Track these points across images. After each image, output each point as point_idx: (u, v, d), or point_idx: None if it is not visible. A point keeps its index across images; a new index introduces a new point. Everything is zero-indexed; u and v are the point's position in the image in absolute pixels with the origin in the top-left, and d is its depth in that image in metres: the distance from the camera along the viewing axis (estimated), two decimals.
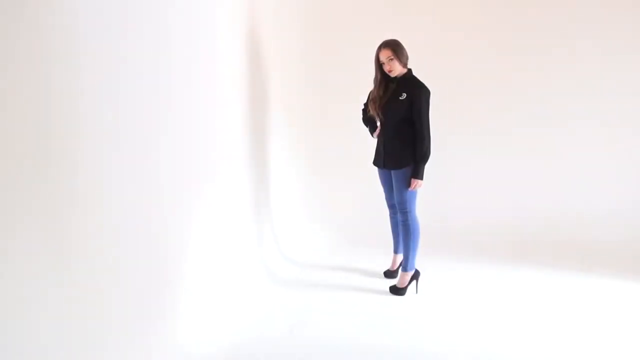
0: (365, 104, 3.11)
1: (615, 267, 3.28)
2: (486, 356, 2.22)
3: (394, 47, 2.83)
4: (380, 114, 2.94)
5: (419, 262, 3.04)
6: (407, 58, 2.89)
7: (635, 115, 3.71)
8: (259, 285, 3.01)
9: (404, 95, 2.86)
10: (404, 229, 2.98)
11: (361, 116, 3.18)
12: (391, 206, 3.18)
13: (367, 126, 3.15)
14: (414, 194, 2.94)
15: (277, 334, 2.45)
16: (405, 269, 2.98)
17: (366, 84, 3.03)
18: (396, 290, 2.94)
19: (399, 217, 3.00)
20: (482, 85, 4.01)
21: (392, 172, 2.97)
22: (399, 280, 2.98)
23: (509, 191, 4.00)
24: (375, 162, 3.12)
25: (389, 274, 3.19)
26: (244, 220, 3.12)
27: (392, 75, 2.87)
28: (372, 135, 3.14)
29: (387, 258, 3.32)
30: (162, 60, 2.16)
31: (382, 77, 2.92)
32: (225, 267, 2.75)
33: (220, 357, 2.21)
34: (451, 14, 4.04)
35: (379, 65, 2.89)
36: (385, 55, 2.84)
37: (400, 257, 3.17)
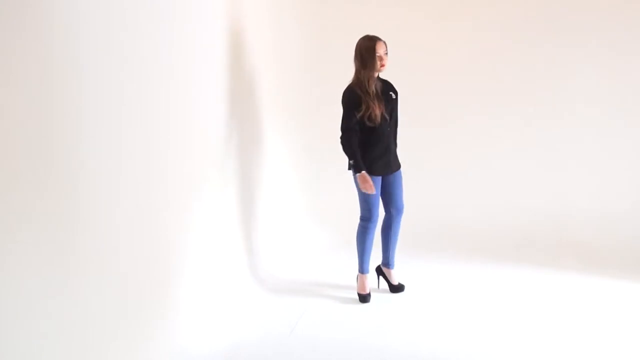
0: (349, 126, 2.71)
1: (615, 267, 3.28)
2: (486, 357, 2.22)
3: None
4: (385, 113, 2.75)
5: (419, 261, 3.04)
6: None
7: (635, 115, 3.70)
8: (259, 286, 3.01)
9: (393, 95, 2.83)
10: (397, 228, 2.98)
11: (349, 141, 2.72)
12: (376, 217, 2.89)
13: (352, 154, 2.71)
14: None
15: (277, 334, 2.45)
16: (393, 266, 3.00)
17: None
18: (396, 289, 2.95)
19: (398, 219, 2.96)
20: (482, 84, 4.00)
21: (394, 174, 2.90)
22: (394, 278, 3.00)
23: (509, 191, 3.99)
24: (380, 171, 2.81)
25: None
26: (243, 221, 3.12)
27: (383, 70, 2.75)
28: (355, 171, 2.71)
29: None
30: (162, 61, 2.17)
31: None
32: (225, 267, 2.76)
33: (220, 357, 2.21)
34: (450, 13, 4.03)
35: (374, 58, 2.68)
36: (382, 48, 2.71)
37: (395, 270, 3.04)
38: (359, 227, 2.92)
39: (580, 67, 3.77)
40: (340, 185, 4.18)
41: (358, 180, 2.73)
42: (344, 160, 4.01)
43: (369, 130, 2.74)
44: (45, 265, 1.57)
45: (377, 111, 2.69)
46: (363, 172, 2.69)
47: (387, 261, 3.01)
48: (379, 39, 2.73)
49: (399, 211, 2.97)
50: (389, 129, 2.81)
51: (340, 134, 2.78)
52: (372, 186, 2.71)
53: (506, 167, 3.99)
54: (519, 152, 3.96)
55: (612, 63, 3.70)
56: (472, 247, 3.75)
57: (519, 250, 3.66)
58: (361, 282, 2.91)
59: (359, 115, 2.70)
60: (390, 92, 2.83)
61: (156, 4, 2.13)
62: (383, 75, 2.85)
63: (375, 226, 2.90)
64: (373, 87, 2.71)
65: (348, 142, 2.73)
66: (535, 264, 3.41)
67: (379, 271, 3.02)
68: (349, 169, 2.82)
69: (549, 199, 3.89)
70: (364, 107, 2.69)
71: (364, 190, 2.73)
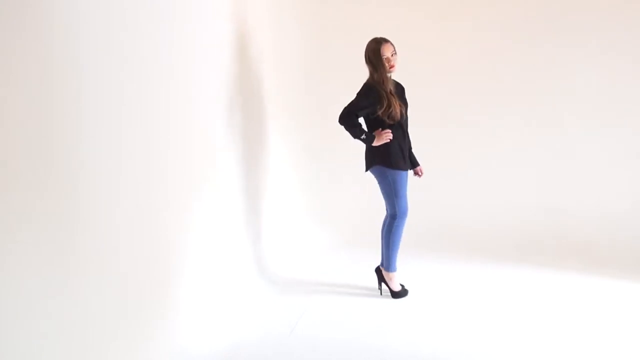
0: (353, 112, 2.75)
1: (615, 267, 3.28)
2: (487, 357, 2.21)
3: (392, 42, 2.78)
4: (404, 111, 2.81)
5: (419, 261, 3.04)
6: None
7: (635, 115, 3.70)
8: (259, 286, 3.01)
9: (403, 94, 2.88)
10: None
11: (353, 123, 2.77)
12: (407, 214, 2.93)
13: (358, 132, 2.77)
14: None
15: (276, 335, 2.45)
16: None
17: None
18: (398, 294, 2.93)
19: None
20: (482, 84, 4.00)
21: (406, 172, 2.92)
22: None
23: (509, 191, 3.99)
24: (403, 166, 2.84)
25: (397, 294, 2.93)
26: (243, 221, 3.12)
27: (393, 71, 2.79)
28: (369, 140, 2.77)
29: None
30: (162, 61, 2.17)
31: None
32: (225, 267, 2.76)
33: (220, 357, 2.21)
34: (450, 13, 4.04)
35: (382, 61, 2.73)
36: (389, 50, 2.75)
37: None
38: (392, 227, 2.88)
39: (580, 67, 3.76)
40: (340, 185, 4.20)
41: (378, 137, 2.75)
42: (344, 160, 4.04)
43: (389, 127, 2.78)
44: (45, 265, 1.57)
45: (398, 109, 2.74)
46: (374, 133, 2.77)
47: None
48: (385, 42, 2.76)
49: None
50: (405, 126, 2.87)
51: (340, 117, 2.77)
52: (389, 132, 2.75)
53: (506, 167, 3.99)
54: (519, 152, 3.96)
55: (612, 63, 3.69)
56: (472, 247, 3.75)
57: (519, 250, 3.67)
58: (395, 280, 2.92)
59: (380, 112, 2.73)
60: (402, 92, 2.88)
61: (156, 4, 2.13)
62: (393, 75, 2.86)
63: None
64: (390, 87, 2.77)
65: (350, 123, 2.77)
66: (535, 264, 3.41)
67: (379, 272, 3.02)
68: (368, 167, 2.88)
69: (549, 198, 3.89)
70: (385, 104, 2.72)
71: (387, 138, 2.75)
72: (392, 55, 2.76)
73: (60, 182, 1.64)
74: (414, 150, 3.02)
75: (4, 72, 1.43)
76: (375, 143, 2.77)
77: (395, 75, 2.88)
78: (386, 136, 2.76)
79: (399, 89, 2.90)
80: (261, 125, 3.39)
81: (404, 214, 2.88)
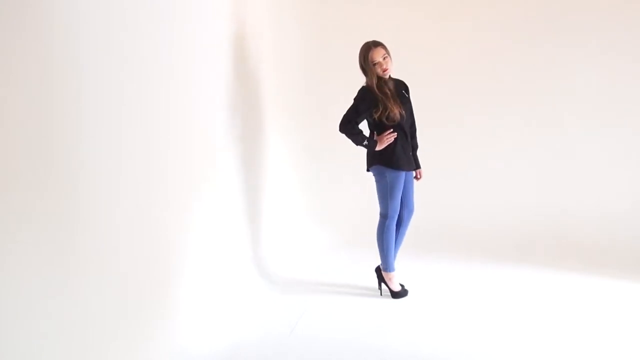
0: (352, 120, 2.77)
1: (615, 267, 3.27)
2: (487, 357, 2.21)
3: (384, 45, 2.75)
4: (403, 112, 2.77)
5: (419, 262, 3.04)
6: None
7: (635, 115, 3.70)
8: (259, 286, 3.01)
9: (405, 93, 2.86)
10: (404, 231, 2.99)
11: (353, 131, 2.78)
12: (397, 215, 2.93)
13: (360, 139, 2.78)
14: None
15: (276, 335, 2.45)
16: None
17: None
18: (398, 294, 2.93)
19: (408, 221, 2.98)
20: (482, 84, 4.00)
21: (409, 173, 2.91)
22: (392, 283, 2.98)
23: (509, 191, 3.99)
24: (405, 167, 2.83)
25: (397, 294, 2.93)
26: (244, 221, 3.12)
27: (387, 74, 2.76)
28: (372, 145, 2.77)
29: None
30: (162, 61, 2.17)
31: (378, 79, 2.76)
32: (225, 267, 2.76)
33: (220, 357, 2.21)
34: (450, 13, 4.04)
35: (373, 66, 2.71)
36: (380, 54, 2.70)
37: (395, 272, 2.99)
38: (383, 228, 2.90)
39: (580, 67, 3.76)
40: (340, 185, 4.20)
41: (380, 141, 2.75)
42: (344, 160, 4.03)
43: (390, 128, 2.77)
44: (45, 265, 1.57)
45: (396, 110, 2.72)
46: (376, 138, 2.78)
47: None
48: (375, 46, 2.73)
49: (410, 212, 2.98)
50: (407, 127, 2.84)
51: (340, 125, 2.80)
52: (391, 132, 2.75)
53: (506, 167, 3.99)
54: (519, 152, 3.96)
55: (612, 63, 3.69)
56: (472, 247, 3.75)
57: (519, 250, 3.66)
58: (394, 280, 2.91)
59: (377, 115, 2.73)
60: (403, 91, 2.87)
61: (156, 4, 2.13)
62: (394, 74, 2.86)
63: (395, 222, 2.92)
64: (386, 89, 2.74)
65: (351, 131, 2.79)
66: (535, 264, 3.41)
67: (379, 272, 3.02)
68: (369, 166, 2.88)
69: (549, 199, 3.89)
70: (381, 107, 2.72)
71: (387, 141, 2.75)
72: (384, 59, 2.72)
73: (60, 182, 1.64)
74: (418, 152, 3.02)
75: (4, 72, 1.43)
76: (379, 147, 2.77)
77: (396, 75, 2.88)
78: (387, 139, 2.76)
79: (401, 88, 2.87)
80: (261, 125, 3.39)
81: (392, 214, 2.88)
